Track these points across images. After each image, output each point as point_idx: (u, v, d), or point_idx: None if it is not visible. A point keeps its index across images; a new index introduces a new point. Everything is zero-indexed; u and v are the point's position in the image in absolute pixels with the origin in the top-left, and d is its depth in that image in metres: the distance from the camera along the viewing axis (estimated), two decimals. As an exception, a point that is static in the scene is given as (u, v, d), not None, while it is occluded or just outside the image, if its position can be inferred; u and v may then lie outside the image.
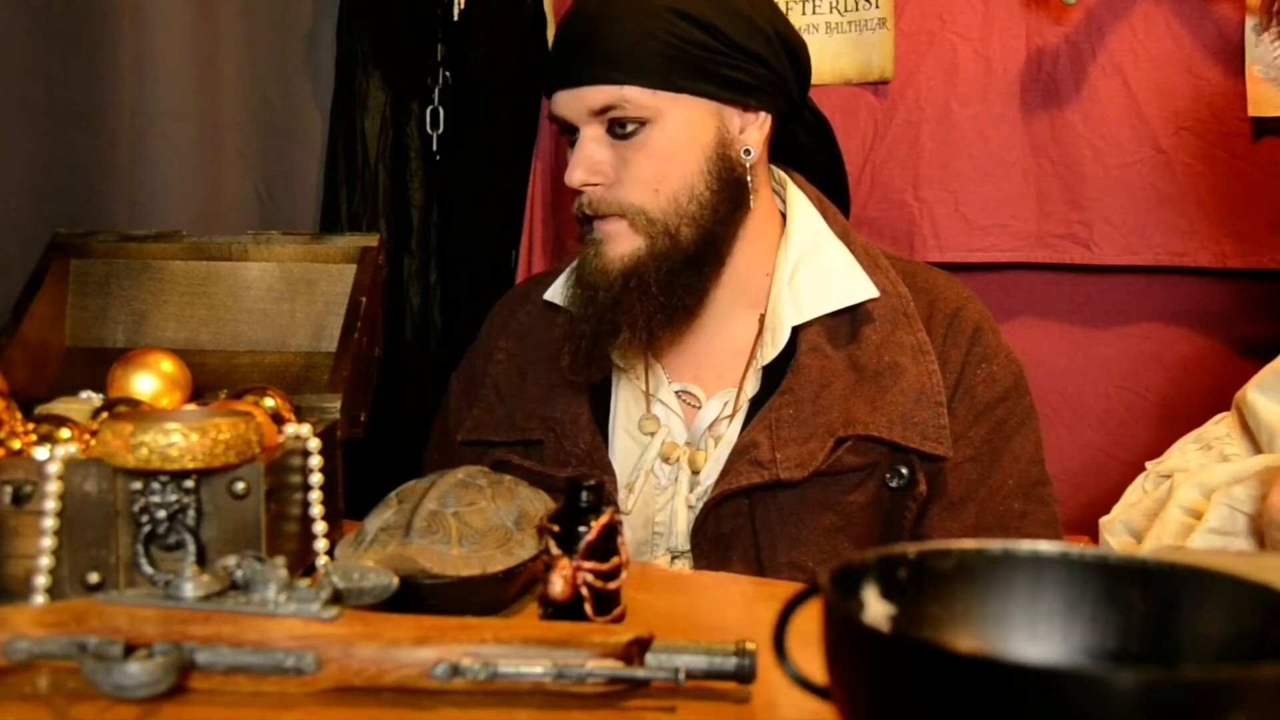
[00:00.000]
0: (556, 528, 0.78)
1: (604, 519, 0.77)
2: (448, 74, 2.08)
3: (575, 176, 1.18)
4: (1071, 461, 1.88)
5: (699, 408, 1.24)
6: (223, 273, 1.21)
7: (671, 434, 1.23)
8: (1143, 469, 1.34)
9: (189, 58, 1.82)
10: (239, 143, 1.96)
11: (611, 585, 0.77)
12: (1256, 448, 1.25)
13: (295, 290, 1.20)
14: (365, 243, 1.21)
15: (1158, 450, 1.41)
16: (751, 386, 1.22)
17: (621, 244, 1.19)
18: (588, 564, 0.76)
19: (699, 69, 1.17)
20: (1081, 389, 1.91)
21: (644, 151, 1.17)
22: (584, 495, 0.78)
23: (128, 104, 1.75)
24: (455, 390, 1.37)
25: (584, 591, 0.76)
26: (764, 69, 1.20)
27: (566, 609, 0.77)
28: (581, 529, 0.77)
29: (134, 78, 1.75)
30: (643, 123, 1.17)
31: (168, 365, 1.00)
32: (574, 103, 1.18)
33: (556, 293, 1.31)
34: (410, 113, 2.09)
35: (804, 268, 1.23)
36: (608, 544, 0.78)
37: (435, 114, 2.08)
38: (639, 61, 1.16)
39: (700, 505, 1.17)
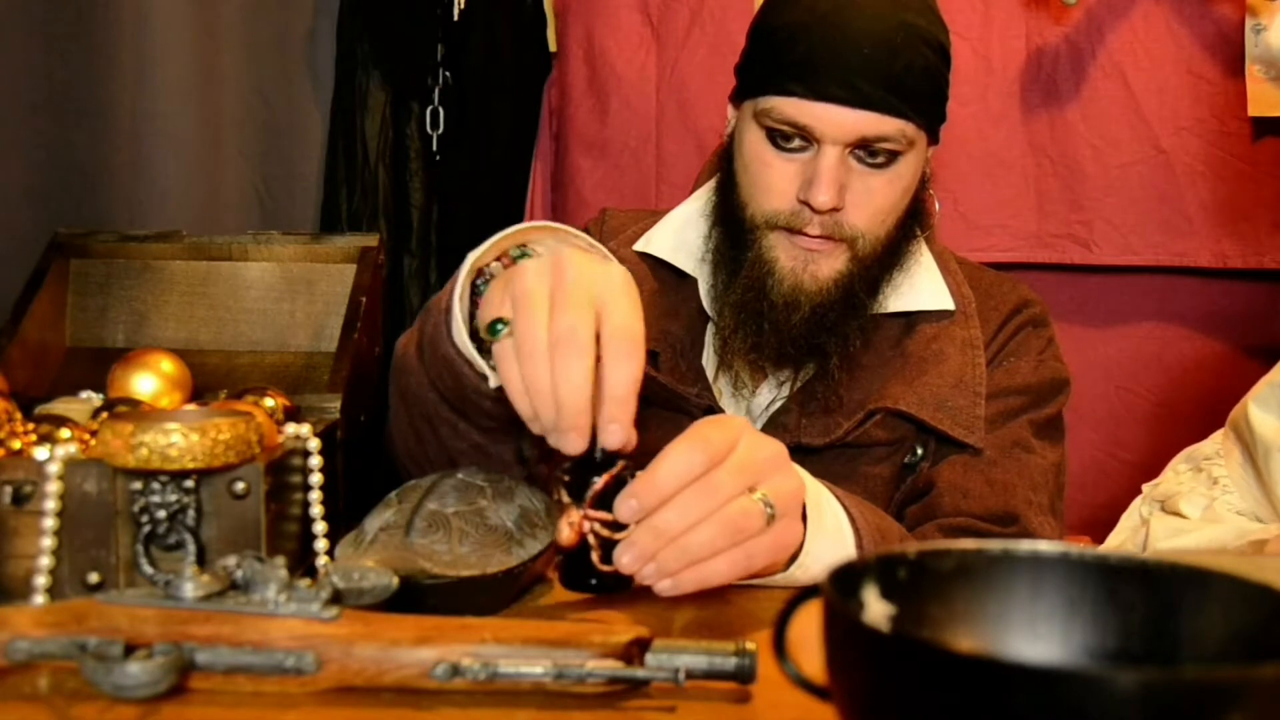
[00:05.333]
0: (568, 477, 0.79)
1: (614, 470, 0.78)
2: (448, 74, 2.08)
3: (827, 198, 1.10)
4: (1071, 462, 1.87)
5: (756, 389, 1.23)
6: (223, 273, 1.21)
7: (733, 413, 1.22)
8: (1144, 468, 1.34)
9: (189, 58, 1.82)
10: (239, 143, 1.97)
11: (619, 535, 0.76)
12: (1251, 464, 1.25)
13: (295, 290, 1.20)
14: (365, 243, 1.21)
15: (1158, 450, 1.41)
16: (806, 373, 1.20)
17: (836, 262, 1.14)
18: (595, 513, 0.78)
19: (937, 108, 1.16)
20: (1081, 389, 1.91)
21: (889, 183, 1.13)
22: (596, 454, 0.78)
23: (128, 104, 1.75)
24: None
25: (591, 540, 0.78)
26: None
27: (575, 557, 0.79)
28: (594, 479, 0.78)
29: (134, 78, 1.75)
30: (894, 155, 1.12)
31: (168, 365, 1.00)
32: (842, 121, 1.10)
33: (658, 246, 1.26)
34: (410, 113, 2.09)
35: (897, 270, 1.21)
36: (617, 495, 0.77)
37: (435, 114, 2.08)
38: (919, 97, 1.12)
39: None
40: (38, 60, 1.61)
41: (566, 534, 0.78)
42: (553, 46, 2.09)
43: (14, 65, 1.58)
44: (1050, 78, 1.85)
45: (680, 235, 1.26)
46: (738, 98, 1.20)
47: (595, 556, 0.78)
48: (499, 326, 0.80)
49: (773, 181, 1.14)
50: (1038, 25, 1.85)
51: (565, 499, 0.79)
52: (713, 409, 1.19)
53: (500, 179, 2.10)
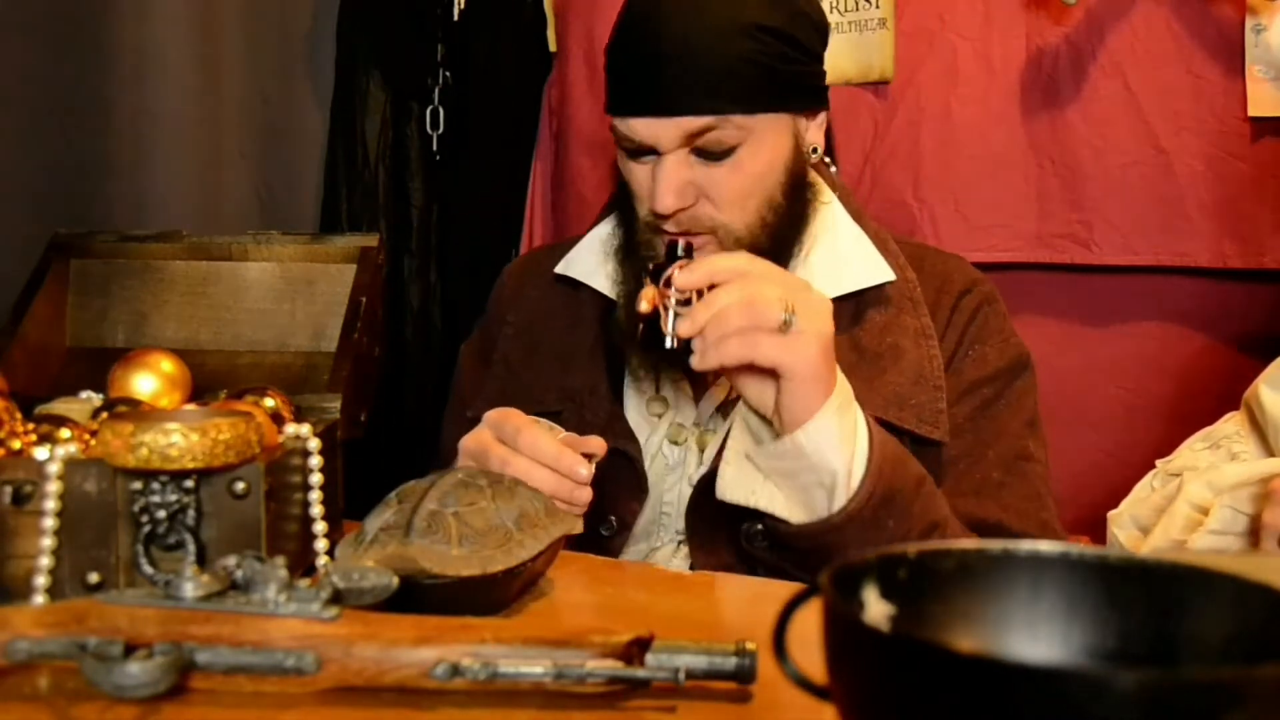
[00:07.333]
0: (651, 266, 1.04)
1: (684, 262, 1.02)
2: (448, 74, 2.08)
3: (667, 202, 1.13)
4: (1072, 462, 1.88)
5: (707, 389, 1.23)
6: (223, 273, 1.21)
7: (680, 414, 1.21)
8: (1145, 468, 1.34)
9: (189, 58, 1.82)
10: (239, 143, 1.96)
11: (683, 310, 0.98)
12: (1265, 444, 1.25)
13: (295, 290, 1.20)
14: (365, 243, 1.21)
15: (1158, 450, 1.41)
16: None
17: (711, 251, 1.15)
18: (668, 290, 1.00)
19: (782, 85, 1.16)
20: (1081, 389, 1.91)
21: (734, 171, 1.15)
22: (679, 249, 1.04)
23: (128, 104, 1.75)
24: (465, 364, 1.36)
25: (661, 309, 1.00)
26: (821, 66, 1.20)
27: (651, 326, 1.01)
28: (669, 268, 1.01)
29: (134, 78, 1.75)
30: (732, 147, 1.14)
31: (168, 365, 1.00)
32: (664, 131, 1.13)
33: (577, 268, 1.28)
34: (410, 113, 2.09)
35: (819, 247, 1.21)
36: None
37: (435, 114, 2.08)
38: (738, 87, 1.12)
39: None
40: (37, 60, 1.61)
41: (644, 305, 1.02)
42: (553, 46, 2.08)
43: (14, 65, 1.58)
44: (1050, 78, 1.85)
45: (596, 257, 1.28)
46: None
47: (664, 320, 1.00)
48: None
49: (638, 187, 1.19)
50: (1038, 25, 1.85)
51: (647, 284, 1.02)
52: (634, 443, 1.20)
53: (500, 179, 2.10)
